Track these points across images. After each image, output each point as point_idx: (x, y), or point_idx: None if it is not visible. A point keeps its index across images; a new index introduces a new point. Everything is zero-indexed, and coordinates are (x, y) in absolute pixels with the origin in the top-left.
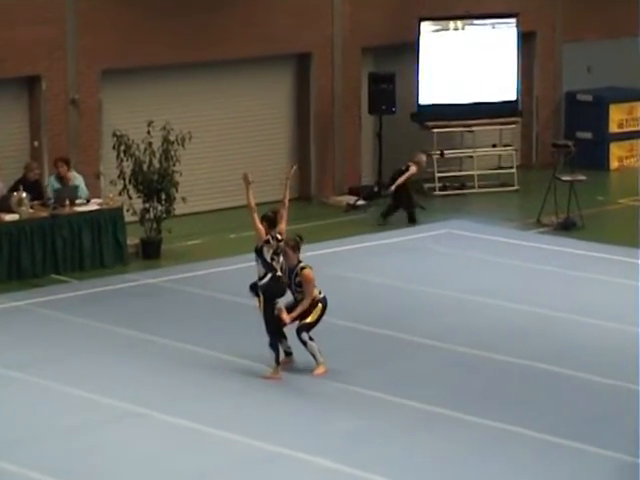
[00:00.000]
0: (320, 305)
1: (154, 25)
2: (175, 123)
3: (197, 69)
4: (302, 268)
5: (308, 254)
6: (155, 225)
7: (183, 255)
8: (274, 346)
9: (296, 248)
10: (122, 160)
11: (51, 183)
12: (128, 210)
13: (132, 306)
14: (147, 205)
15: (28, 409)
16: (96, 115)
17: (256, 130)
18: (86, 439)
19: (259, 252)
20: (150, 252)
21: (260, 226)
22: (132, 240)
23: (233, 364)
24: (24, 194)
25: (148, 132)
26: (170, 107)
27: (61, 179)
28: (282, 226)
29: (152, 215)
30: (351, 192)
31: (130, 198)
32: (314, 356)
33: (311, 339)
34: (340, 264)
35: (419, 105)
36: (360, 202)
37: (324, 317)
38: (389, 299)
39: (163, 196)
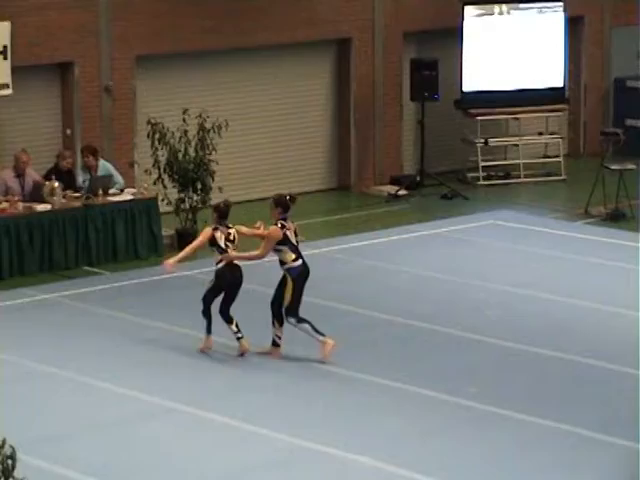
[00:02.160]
0: (290, 281)
1: (190, 10)
2: (211, 111)
3: (234, 55)
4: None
5: (349, 245)
6: (190, 215)
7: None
8: (206, 314)
9: (277, 204)
10: (157, 149)
11: (81, 173)
12: (163, 200)
13: (167, 299)
14: (182, 195)
15: (59, 404)
16: (130, 102)
17: (294, 118)
18: (119, 435)
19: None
20: (185, 243)
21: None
22: (167, 231)
23: (263, 360)
24: (56, 183)
25: (183, 120)
26: (206, 94)
27: (88, 169)
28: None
29: (187, 205)
30: (392, 182)
31: (165, 188)
32: (312, 337)
33: (301, 321)
34: (381, 256)
35: (463, 92)
36: (402, 192)
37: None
38: (431, 292)
39: (199, 186)
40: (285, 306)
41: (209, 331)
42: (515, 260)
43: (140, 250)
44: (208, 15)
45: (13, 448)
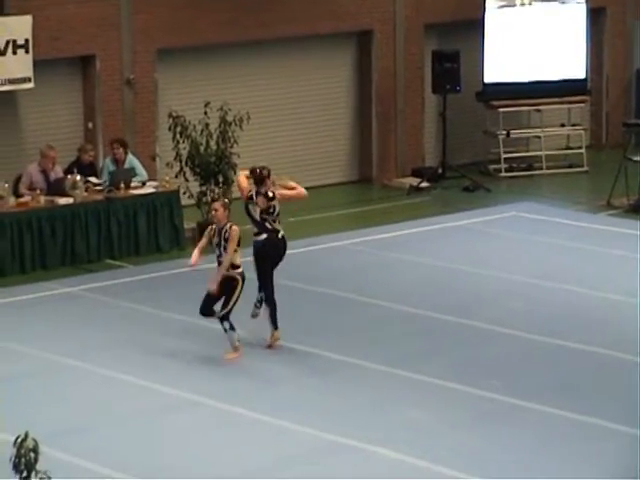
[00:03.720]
0: (241, 282)
1: (212, 3)
2: (233, 103)
3: (255, 48)
4: (230, 225)
5: (370, 238)
6: None
7: (241, 238)
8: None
9: (226, 207)
10: (178, 142)
11: (106, 165)
12: (185, 193)
13: (189, 292)
14: (204, 188)
15: (82, 397)
16: (152, 95)
17: (316, 110)
18: (142, 428)
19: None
20: None
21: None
22: (189, 224)
23: (291, 351)
24: (78, 177)
25: (205, 113)
26: (228, 87)
27: (117, 162)
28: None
29: (209, 198)
30: (414, 174)
31: (187, 181)
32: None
33: (232, 328)
34: (403, 248)
35: (484, 84)
36: (424, 184)
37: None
38: (454, 284)
39: (220, 179)
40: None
41: (274, 325)
42: (537, 252)
43: (162, 243)
44: (230, 8)
45: (35, 441)
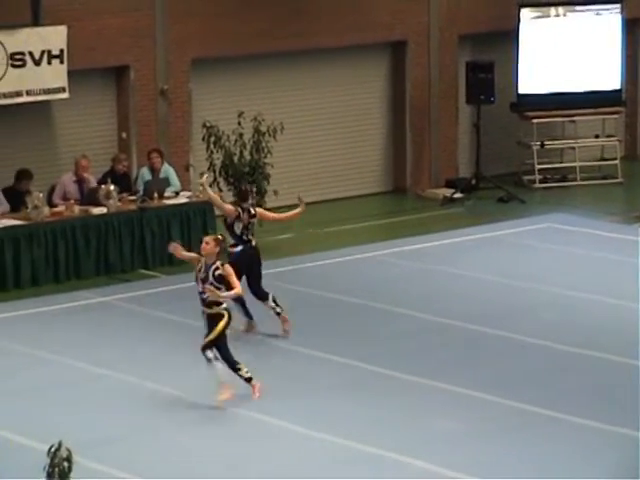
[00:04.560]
0: (227, 317)
1: (245, 13)
2: (266, 114)
3: (289, 58)
4: (222, 264)
5: (404, 248)
6: None
7: (274, 249)
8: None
9: (218, 243)
10: (212, 152)
11: (142, 175)
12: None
13: None
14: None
15: (115, 406)
16: (185, 105)
17: (349, 121)
18: (175, 438)
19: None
20: None
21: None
22: (222, 234)
23: (325, 361)
24: (112, 187)
25: (239, 123)
26: (261, 97)
27: (153, 171)
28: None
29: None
30: (448, 184)
31: (220, 191)
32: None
33: (217, 358)
34: (436, 259)
35: (518, 94)
36: (457, 195)
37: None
38: (487, 295)
39: (254, 189)
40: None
41: (248, 315)
42: (571, 263)
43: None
44: (263, 18)
45: (69, 450)
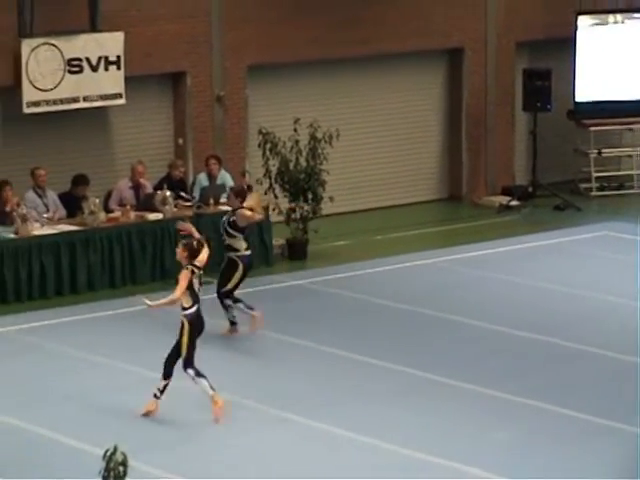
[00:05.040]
0: (241, 267)
1: (301, 19)
2: (322, 120)
3: (345, 65)
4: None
5: (459, 256)
6: (301, 225)
7: (330, 256)
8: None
9: (239, 194)
10: (268, 158)
11: (199, 181)
12: (274, 210)
13: (278, 308)
14: (293, 205)
15: (170, 411)
16: (242, 112)
17: (405, 128)
18: (228, 443)
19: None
20: (296, 253)
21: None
22: (278, 240)
23: (378, 368)
24: (168, 193)
25: (295, 129)
26: (317, 104)
27: (211, 177)
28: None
29: (298, 215)
30: (504, 192)
31: (276, 197)
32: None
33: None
34: (492, 267)
35: (576, 102)
36: (514, 202)
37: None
38: (543, 303)
39: (310, 195)
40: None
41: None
42: (628, 272)
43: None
44: (320, 25)
45: (125, 454)
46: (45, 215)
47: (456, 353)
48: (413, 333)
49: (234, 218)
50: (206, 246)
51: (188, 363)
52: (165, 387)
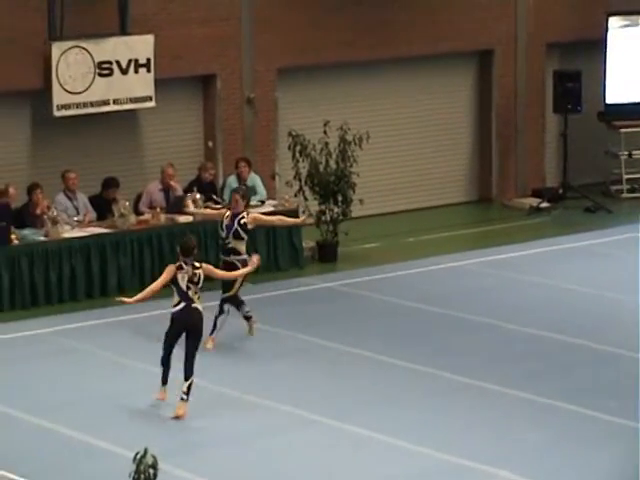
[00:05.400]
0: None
1: (331, 23)
2: (352, 123)
3: (375, 67)
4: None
5: (490, 258)
6: (331, 227)
7: (360, 258)
8: (163, 362)
9: (245, 197)
10: (298, 161)
11: (229, 183)
12: (304, 212)
13: (307, 310)
14: (323, 207)
15: (199, 414)
16: (272, 114)
17: (435, 130)
18: (258, 446)
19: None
20: (326, 255)
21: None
22: (308, 243)
23: (408, 370)
24: (198, 195)
25: (325, 132)
26: (347, 106)
27: (240, 179)
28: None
29: (328, 217)
30: (534, 194)
31: (306, 200)
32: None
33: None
34: (522, 269)
35: (606, 104)
36: (544, 204)
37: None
38: (574, 305)
39: (340, 198)
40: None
41: (164, 382)
42: None
43: (281, 262)
44: (349, 27)
45: (155, 458)
46: (75, 218)
47: (486, 355)
48: (443, 336)
49: (245, 220)
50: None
51: (162, 348)
52: (189, 388)
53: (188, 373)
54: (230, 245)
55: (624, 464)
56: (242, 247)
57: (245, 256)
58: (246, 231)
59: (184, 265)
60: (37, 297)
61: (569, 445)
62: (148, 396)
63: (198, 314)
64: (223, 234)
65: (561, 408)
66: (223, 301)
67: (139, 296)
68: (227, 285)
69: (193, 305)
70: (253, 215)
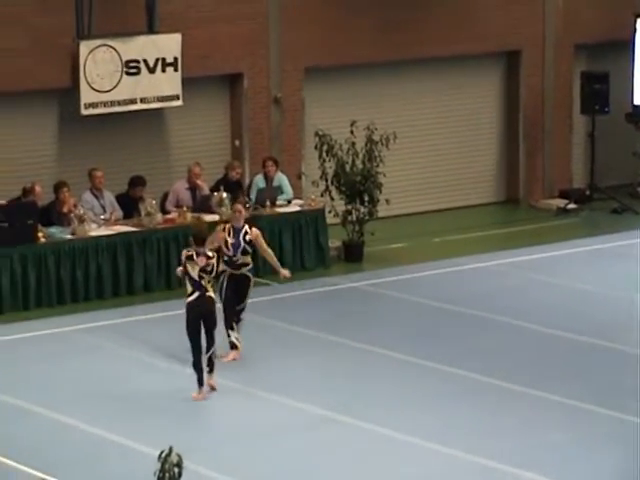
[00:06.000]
0: (252, 279)
1: (358, 22)
2: (379, 123)
3: (402, 67)
4: (251, 226)
5: (517, 259)
6: (358, 227)
7: (386, 258)
8: (195, 366)
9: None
10: (324, 160)
11: (256, 182)
12: (330, 212)
13: (334, 310)
14: (349, 207)
15: (224, 411)
16: (298, 114)
17: (462, 130)
18: (281, 444)
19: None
20: (352, 255)
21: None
22: (334, 243)
23: (434, 371)
24: (225, 194)
25: (351, 132)
26: (374, 106)
27: (267, 179)
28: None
29: (354, 217)
30: (561, 195)
31: (332, 199)
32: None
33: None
34: (549, 270)
35: (634, 105)
36: (571, 206)
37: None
38: (600, 307)
39: (366, 198)
40: (242, 306)
41: (201, 383)
42: None
43: (307, 261)
44: (376, 27)
45: (179, 456)
46: (102, 216)
47: (513, 356)
48: (470, 336)
49: (249, 237)
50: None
51: (191, 351)
52: (210, 359)
53: (209, 343)
54: (239, 261)
55: None
56: (249, 258)
57: (252, 265)
58: (251, 245)
59: (195, 256)
60: (63, 295)
61: (595, 446)
62: (173, 394)
63: (212, 302)
64: (230, 252)
65: (587, 409)
66: (239, 316)
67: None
68: (239, 298)
69: (207, 294)
70: (255, 233)
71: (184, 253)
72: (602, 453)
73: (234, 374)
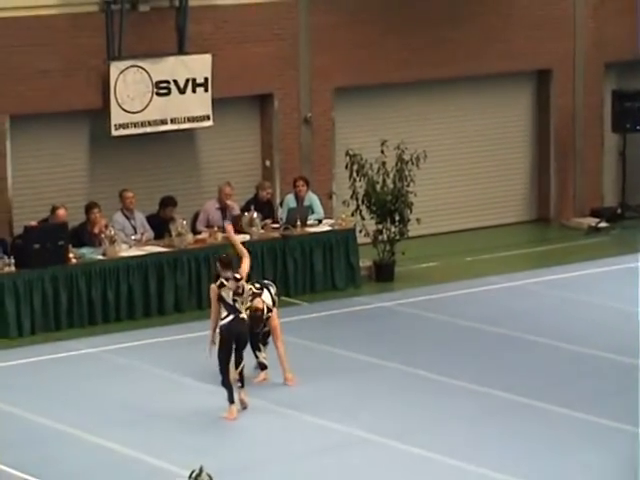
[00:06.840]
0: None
1: (388, 43)
2: (409, 142)
3: (432, 87)
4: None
5: (548, 278)
6: (388, 247)
7: (418, 278)
8: (225, 384)
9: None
10: (355, 180)
11: (287, 202)
12: (361, 231)
13: (365, 330)
14: (380, 226)
15: (258, 432)
16: (329, 134)
17: (493, 149)
18: (314, 465)
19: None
20: (383, 275)
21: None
22: (365, 262)
23: (466, 390)
24: (255, 214)
25: (382, 151)
26: (404, 126)
27: (298, 199)
28: (243, 267)
29: (385, 237)
30: (593, 214)
31: (363, 219)
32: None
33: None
34: (581, 289)
35: None
36: (602, 224)
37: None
38: (631, 326)
39: (397, 217)
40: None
41: (231, 400)
42: None
43: (337, 281)
44: (406, 47)
45: (210, 476)
46: (133, 237)
47: (543, 375)
48: (500, 355)
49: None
50: (246, 255)
51: (220, 371)
52: (241, 374)
53: (238, 361)
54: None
55: None
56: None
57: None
58: None
59: (225, 282)
60: (95, 315)
61: (625, 466)
62: (203, 414)
63: (244, 323)
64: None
65: (625, 430)
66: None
67: (211, 333)
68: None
69: (241, 316)
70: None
71: (213, 288)
72: (631, 473)
73: (265, 393)
